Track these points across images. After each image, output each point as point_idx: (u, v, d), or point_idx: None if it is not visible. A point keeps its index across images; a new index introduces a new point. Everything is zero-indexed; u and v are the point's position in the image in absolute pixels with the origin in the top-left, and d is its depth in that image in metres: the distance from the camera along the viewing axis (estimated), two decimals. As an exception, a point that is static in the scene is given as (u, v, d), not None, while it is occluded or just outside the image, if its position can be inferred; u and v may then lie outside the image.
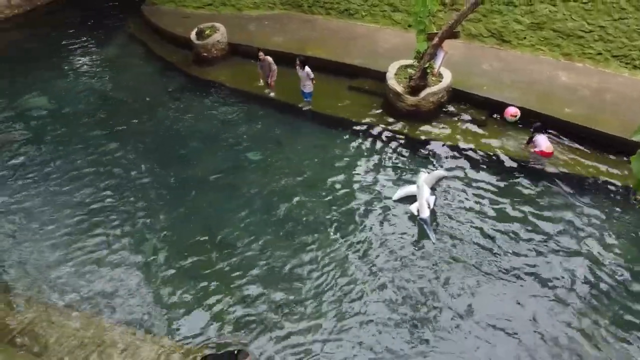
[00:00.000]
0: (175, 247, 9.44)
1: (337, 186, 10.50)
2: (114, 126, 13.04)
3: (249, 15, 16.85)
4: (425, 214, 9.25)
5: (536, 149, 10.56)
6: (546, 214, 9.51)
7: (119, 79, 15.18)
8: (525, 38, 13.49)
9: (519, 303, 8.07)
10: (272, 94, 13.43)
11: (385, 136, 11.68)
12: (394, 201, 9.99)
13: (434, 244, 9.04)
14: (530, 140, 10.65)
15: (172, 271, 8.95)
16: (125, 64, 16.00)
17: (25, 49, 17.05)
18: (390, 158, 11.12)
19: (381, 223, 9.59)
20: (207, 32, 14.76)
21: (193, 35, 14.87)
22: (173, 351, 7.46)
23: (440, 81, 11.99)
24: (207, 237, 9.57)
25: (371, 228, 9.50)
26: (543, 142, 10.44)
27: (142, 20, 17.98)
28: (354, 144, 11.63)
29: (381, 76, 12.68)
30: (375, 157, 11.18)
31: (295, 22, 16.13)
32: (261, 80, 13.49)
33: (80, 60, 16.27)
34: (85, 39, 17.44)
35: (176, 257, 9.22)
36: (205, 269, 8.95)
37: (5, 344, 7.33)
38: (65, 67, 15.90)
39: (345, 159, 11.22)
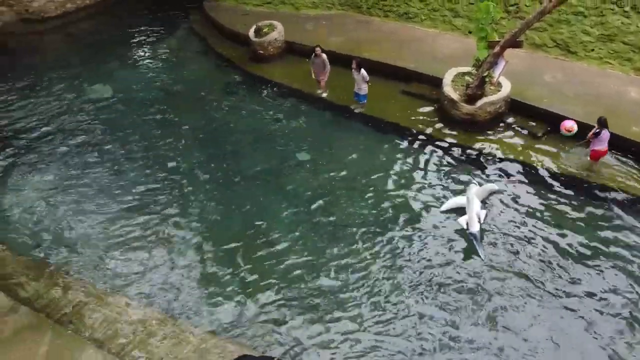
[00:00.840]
0: (218, 239, 9.54)
1: (384, 192, 10.32)
2: (170, 117, 13.37)
3: (306, 14, 16.89)
4: (475, 228, 8.94)
5: (595, 148, 9.94)
6: (604, 234, 8.99)
7: (177, 72, 15.55)
8: (593, 50, 12.85)
9: (577, 324, 7.63)
10: (324, 94, 13.39)
11: (437, 144, 11.39)
12: (442, 212, 9.72)
13: (482, 260, 8.73)
14: (595, 135, 9.81)
15: (213, 262, 9.05)
16: (185, 57, 16.39)
17: (93, 39, 17.80)
18: (440, 167, 10.84)
19: (426, 234, 9.32)
20: (265, 29, 14.89)
21: (251, 33, 15.02)
22: (213, 344, 7.50)
23: (499, 91, 11.57)
24: (250, 231, 9.63)
25: (416, 238, 9.26)
26: (606, 138, 9.78)
27: (203, 15, 18.37)
28: (404, 149, 11.42)
29: (437, 82, 12.40)
30: (425, 165, 10.91)
31: (352, 23, 16.03)
32: (313, 76, 13.41)
33: (142, 51, 16.81)
34: (148, 30, 18.01)
35: (218, 249, 9.33)
36: (246, 262, 9.00)
37: (54, 321, 7.61)
38: (129, 58, 16.46)
39: (394, 164, 11.02)
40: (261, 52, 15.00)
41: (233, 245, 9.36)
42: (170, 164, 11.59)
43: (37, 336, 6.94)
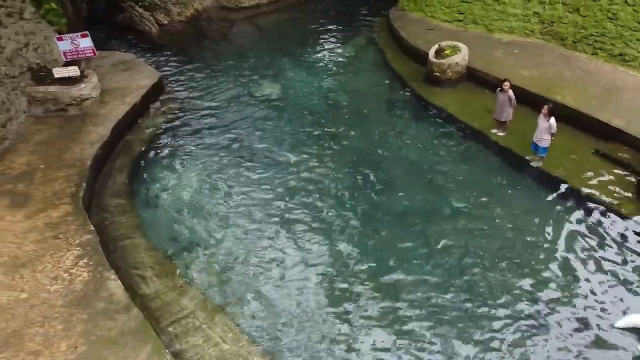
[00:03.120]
0: (346, 276, 8.70)
1: (544, 277, 8.47)
2: (327, 130, 12.87)
3: (498, 38, 15.14)
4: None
5: None
6: None
7: (346, 81, 15.04)
8: None
9: None
10: (500, 133, 11.71)
11: (632, 229, 9.15)
12: (616, 328, 7.57)
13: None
14: None
15: (337, 300, 8.23)
16: (357, 68, 15.82)
17: (275, 35, 18.23)
18: (627, 262, 8.63)
19: (590, 352, 7.30)
20: (448, 52, 13.58)
21: (432, 52, 13.83)
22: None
23: None
24: (383, 278, 8.62)
25: (574, 350, 7.37)
26: None
27: (387, 24, 17.60)
28: (584, 225, 9.38)
29: (646, 149, 10.05)
30: (606, 252, 8.80)
31: (551, 56, 13.92)
32: (494, 115, 11.78)
33: (317, 55, 16.66)
34: (329, 33, 17.85)
35: (346, 287, 8.48)
36: (371, 311, 8.04)
37: (160, 329, 7.50)
38: (302, 59, 16.41)
39: (567, 242, 9.07)
40: (437, 74, 13.74)
41: (360, 288, 8.44)
42: (316, 179, 11.03)
43: (137, 346, 6.81)
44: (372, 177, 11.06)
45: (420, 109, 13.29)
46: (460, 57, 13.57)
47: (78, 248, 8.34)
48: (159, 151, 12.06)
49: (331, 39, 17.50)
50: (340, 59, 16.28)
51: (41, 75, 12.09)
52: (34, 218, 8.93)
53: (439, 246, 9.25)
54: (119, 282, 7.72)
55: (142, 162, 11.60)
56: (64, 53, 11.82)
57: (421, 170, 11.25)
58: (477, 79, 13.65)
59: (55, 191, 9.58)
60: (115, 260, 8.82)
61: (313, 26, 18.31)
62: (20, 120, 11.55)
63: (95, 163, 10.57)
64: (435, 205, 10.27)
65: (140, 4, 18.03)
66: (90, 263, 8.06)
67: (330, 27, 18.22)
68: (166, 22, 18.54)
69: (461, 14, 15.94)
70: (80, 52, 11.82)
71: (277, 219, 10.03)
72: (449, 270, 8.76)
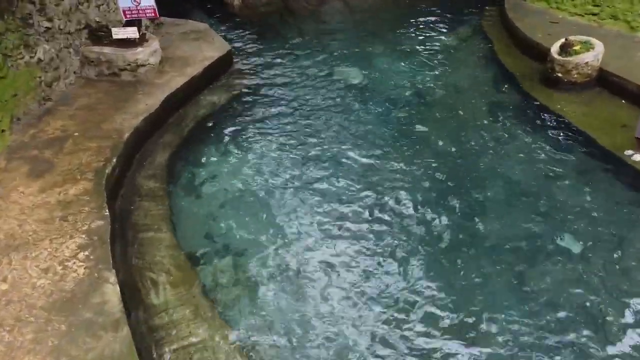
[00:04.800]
0: (415, 310, 6.57)
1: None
2: (412, 126, 10.62)
3: (644, 39, 12.04)
4: None
5: None
6: None
7: (443, 74, 12.60)
8: None
9: None
10: (638, 158, 8.91)
11: None
12: None
13: None
14: None
15: (398, 342, 6.11)
16: (459, 59, 13.29)
17: (368, 15, 16.09)
18: None
19: None
20: (577, 47, 10.76)
21: (555, 47, 11.09)
22: None
23: None
24: (457, 317, 6.43)
25: None
26: None
27: (500, 12, 14.92)
28: None
29: None
30: None
31: None
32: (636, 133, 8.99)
33: (413, 42, 14.27)
34: (428, 20, 15.41)
35: (414, 322, 6.36)
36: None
37: (157, 356, 5.80)
38: (396, 46, 14.12)
39: None
40: (560, 75, 10.98)
41: (431, 339, 6.24)
42: (392, 187, 8.83)
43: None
44: (461, 195, 8.71)
45: (533, 115, 10.64)
46: (593, 55, 10.72)
47: (83, 236, 6.82)
48: (212, 132, 10.43)
49: (432, 25, 15.04)
50: (441, 49, 13.80)
51: (100, 34, 10.92)
52: (48, 192, 7.56)
53: (543, 299, 6.79)
54: (117, 289, 6.06)
55: (191, 142, 10.04)
56: (124, 11, 10.52)
57: (526, 193, 8.71)
58: (611, 85, 10.73)
59: (80, 164, 8.18)
60: (129, 255, 7.28)
61: (412, 10, 15.96)
62: (69, 81, 10.41)
63: (134, 137, 9.11)
64: (541, 240, 7.74)
65: (227, -27, 16.67)
66: (92, 257, 6.49)
67: (433, 12, 15.76)
68: (252, -5, 17.08)
69: (597, 6, 12.94)
70: (140, 12, 10.47)
71: (335, 232, 7.98)
72: (553, 331, 6.30)
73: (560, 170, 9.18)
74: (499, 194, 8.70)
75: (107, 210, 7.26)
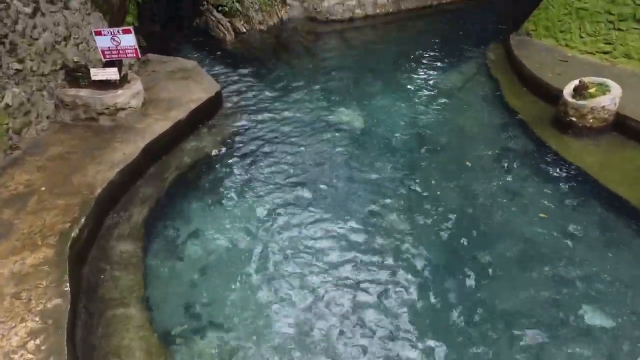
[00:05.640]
0: None
1: None
2: (414, 176, 9.76)
3: (661, 79, 11.29)
4: None
5: None
6: None
7: (447, 118, 11.81)
8: None
9: None
10: (664, 216, 8.05)
11: None
12: None
13: None
14: None
15: None
16: (463, 101, 12.54)
17: (366, 53, 15.43)
18: None
19: None
20: (593, 90, 10.00)
21: (568, 89, 10.33)
22: None
23: None
24: None
25: None
26: None
27: (505, 49, 14.25)
28: None
29: None
30: None
31: None
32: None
33: (415, 81, 13.55)
34: (429, 58, 14.76)
35: None
36: None
37: None
38: (396, 85, 13.41)
39: None
40: (574, 119, 10.20)
41: None
42: (391, 248, 7.91)
43: None
44: (468, 256, 7.79)
45: (545, 165, 9.80)
46: (609, 99, 9.94)
47: (37, 319, 5.85)
48: (196, 184, 9.52)
49: (433, 63, 14.37)
50: (443, 89, 13.06)
51: (78, 75, 10.11)
52: (1, 263, 6.61)
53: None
54: (68, 392, 5.10)
55: (172, 196, 9.12)
56: (103, 51, 9.74)
57: (541, 255, 7.79)
58: (630, 130, 9.93)
59: (43, 225, 7.25)
60: (91, 340, 6.29)
61: (412, 47, 15.32)
62: (41, 127, 9.55)
63: (108, 191, 8.20)
64: (563, 312, 6.81)
65: (219, 9, 16.04)
66: (43, 347, 5.51)
67: (433, 48, 15.14)
68: (245, 30, 16.42)
69: (609, 44, 12.24)
70: (121, 52, 9.68)
71: (336, 302, 7.02)
72: None
73: (579, 227, 8.28)
74: (510, 255, 7.76)
75: (67, 285, 6.30)
